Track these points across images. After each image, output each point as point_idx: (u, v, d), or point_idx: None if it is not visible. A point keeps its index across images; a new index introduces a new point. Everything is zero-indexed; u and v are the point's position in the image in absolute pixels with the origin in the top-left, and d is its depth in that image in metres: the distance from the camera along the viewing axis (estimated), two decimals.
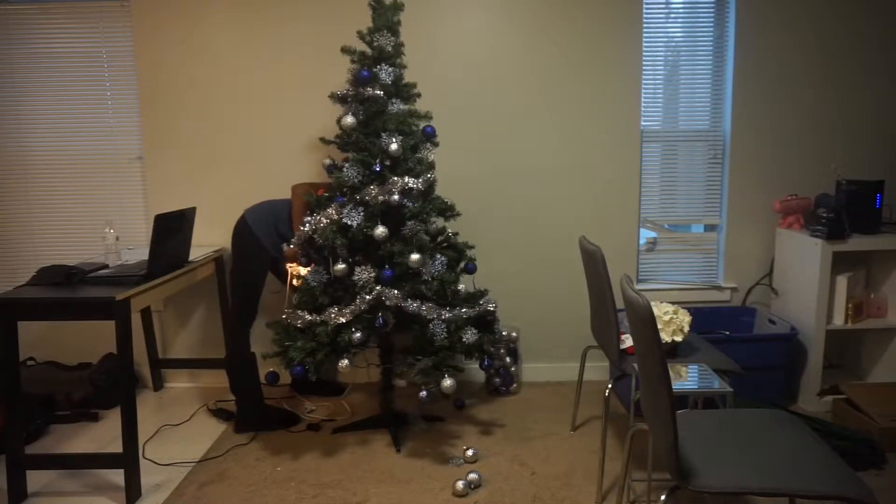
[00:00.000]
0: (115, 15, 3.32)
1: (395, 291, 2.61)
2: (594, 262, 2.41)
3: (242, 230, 2.85)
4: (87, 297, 2.29)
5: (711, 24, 3.34)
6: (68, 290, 2.37)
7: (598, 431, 2.87)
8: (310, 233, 2.69)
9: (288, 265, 2.90)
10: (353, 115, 2.71)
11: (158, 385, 3.48)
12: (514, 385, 3.34)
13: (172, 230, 2.76)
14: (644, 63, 3.34)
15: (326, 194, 2.74)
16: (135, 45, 3.30)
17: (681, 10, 3.33)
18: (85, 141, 3.41)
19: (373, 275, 2.62)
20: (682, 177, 3.46)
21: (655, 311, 2.46)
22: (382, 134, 2.67)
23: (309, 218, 2.69)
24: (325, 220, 2.66)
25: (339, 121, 2.72)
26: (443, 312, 2.62)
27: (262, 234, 2.84)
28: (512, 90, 3.32)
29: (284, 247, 2.83)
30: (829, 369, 3.37)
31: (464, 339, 2.63)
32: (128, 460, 2.35)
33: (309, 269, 2.84)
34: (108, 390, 3.23)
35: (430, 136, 2.77)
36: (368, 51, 2.73)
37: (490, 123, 3.34)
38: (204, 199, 3.39)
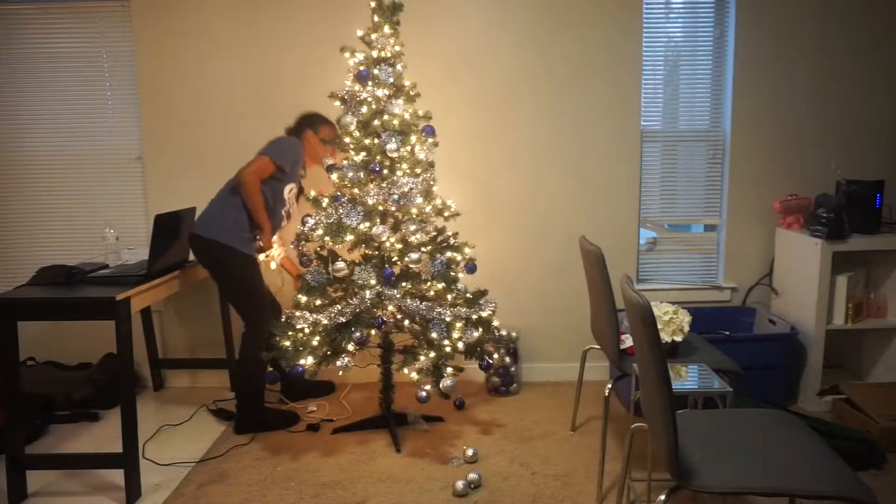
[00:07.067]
0: (115, 15, 3.32)
1: (395, 291, 2.61)
2: (594, 262, 2.41)
3: (209, 247, 2.78)
4: (87, 297, 2.29)
5: (711, 24, 3.34)
6: (68, 290, 2.37)
7: (598, 431, 2.87)
8: (309, 232, 2.69)
9: (263, 254, 2.92)
10: (352, 114, 2.71)
11: (158, 385, 3.48)
12: (514, 385, 3.34)
13: (172, 230, 2.76)
14: (644, 63, 3.34)
15: (326, 194, 2.74)
16: (135, 46, 3.30)
17: (681, 10, 3.33)
18: (85, 141, 3.42)
19: (373, 275, 2.63)
20: (682, 177, 3.46)
21: (655, 311, 2.46)
22: (382, 134, 2.67)
23: (310, 220, 2.69)
24: (324, 220, 2.66)
25: (338, 121, 2.72)
26: (443, 312, 2.62)
27: (228, 239, 2.79)
28: (512, 90, 3.32)
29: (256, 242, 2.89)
30: (829, 369, 3.37)
31: (464, 339, 2.64)
32: (128, 460, 2.35)
33: (278, 250, 2.96)
34: (108, 390, 3.23)
35: (429, 136, 2.78)
36: (368, 50, 2.73)
37: (490, 123, 3.34)
38: (204, 199, 3.38)
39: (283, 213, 2.97)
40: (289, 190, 2.94)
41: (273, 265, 3.02)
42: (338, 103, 2.76)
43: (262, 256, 2.93)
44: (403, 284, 2.67)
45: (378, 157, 2.71)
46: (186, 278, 2.93)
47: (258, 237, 2.90)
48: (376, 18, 2.71)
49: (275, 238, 2.95)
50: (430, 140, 2.79)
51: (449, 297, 2.71)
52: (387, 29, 2.70)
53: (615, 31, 3.27)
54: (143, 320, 3.37)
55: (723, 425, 1.79)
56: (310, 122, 3.02)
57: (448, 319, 2.62)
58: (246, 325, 2.84)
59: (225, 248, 2.78)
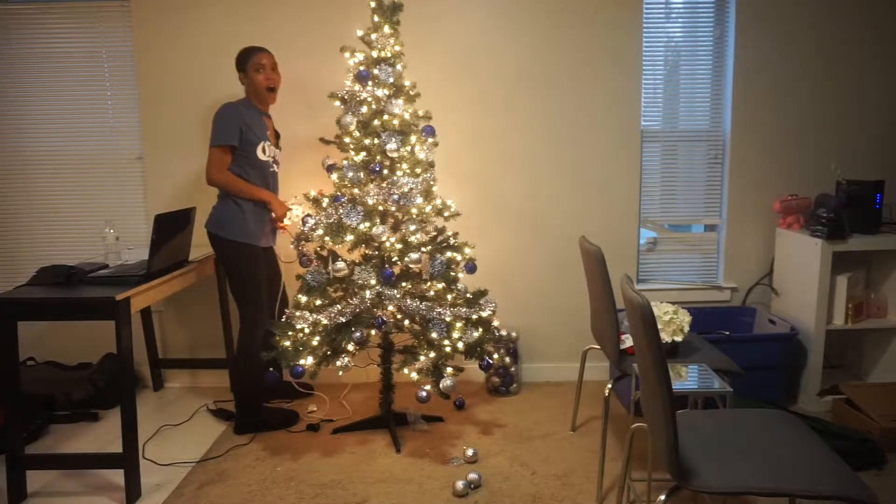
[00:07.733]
0: (114, 15, 3.32)
1: (395, 291, 2.61)
2: (594, 262, 2.41)
3: (221, 245, 2.81)
4: (87, 297, 2.29)
5: (711, 24, 3.34)
6: (68, 290, 2.37)
7: (598, 431, 2.87)
8: (309, 232, 2.69)
9: (279, 225, 2.96)
10: (352, 114, 2.71)
11: (158, 385, 3.48)
12: (514, 385, 3.34)
13: (172, 230, 2.76)
14: (644, 63, 3.34)
15: (326, 194, 2.74)
16: (135, 45, 3.30)
17: (681, 10, 3.33)
18: (85, 141, 3.41)
19: (373, 275, 2.63)
20: (682, 177, 3.46)
21: (655, 311, 2.46)
22: (382, 134, 2.67)
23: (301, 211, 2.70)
24: (324, 220, 2.66)
25: (338, 121, 2.72)
26: (443, 312, 2.62)
27: (237, 233, 2.79)
28: (512, 90, 3.32)
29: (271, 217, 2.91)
30: (829, 369, 3.37)
31: (464, 339, 2.64)
32: (128, 460, 2.35)
33: (298, 209, 2.98)
34: (108, 390, 3.23)
35: (429, 136, 2.78)
36: (368, 50, 2.73)
37: (490, 123, 3.34)
38: (204, 198, 3.39)
39: (270, 171, 2.92)
40: (261, 150, 2.83)
41: (297, 210, 3.04)
42: (338, 103, 2.76)
43: (286, 221, 2.94)
44: (403, 284, 2.68)
45: (378, 157, 2.71)
46: (187, 278, 2.93)
47: (269, 209, 2.88)
48: (376, 18, 2.71)
49: (283, 200, 2.99)
50: (430, 140, 2.80)
51: (449, 297, 2.71)
52: (387, 29, 2.70)
53: (615, 31, 3.27)
54: (143, 320, 3.37)
55: (723, 425, 1.79)
56: (237, 67, 2.88)
57: (448, 319, 2.62)
58: (242, 322, 2.84)
59: (240, 245, 2.79)
